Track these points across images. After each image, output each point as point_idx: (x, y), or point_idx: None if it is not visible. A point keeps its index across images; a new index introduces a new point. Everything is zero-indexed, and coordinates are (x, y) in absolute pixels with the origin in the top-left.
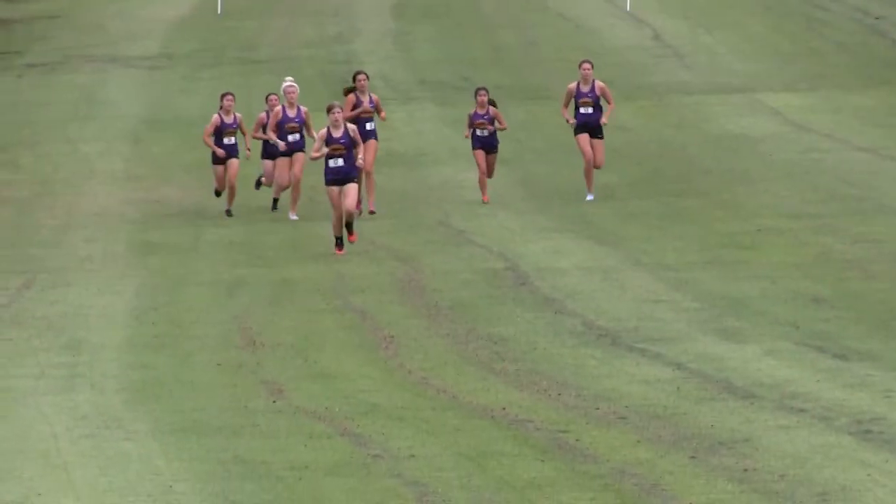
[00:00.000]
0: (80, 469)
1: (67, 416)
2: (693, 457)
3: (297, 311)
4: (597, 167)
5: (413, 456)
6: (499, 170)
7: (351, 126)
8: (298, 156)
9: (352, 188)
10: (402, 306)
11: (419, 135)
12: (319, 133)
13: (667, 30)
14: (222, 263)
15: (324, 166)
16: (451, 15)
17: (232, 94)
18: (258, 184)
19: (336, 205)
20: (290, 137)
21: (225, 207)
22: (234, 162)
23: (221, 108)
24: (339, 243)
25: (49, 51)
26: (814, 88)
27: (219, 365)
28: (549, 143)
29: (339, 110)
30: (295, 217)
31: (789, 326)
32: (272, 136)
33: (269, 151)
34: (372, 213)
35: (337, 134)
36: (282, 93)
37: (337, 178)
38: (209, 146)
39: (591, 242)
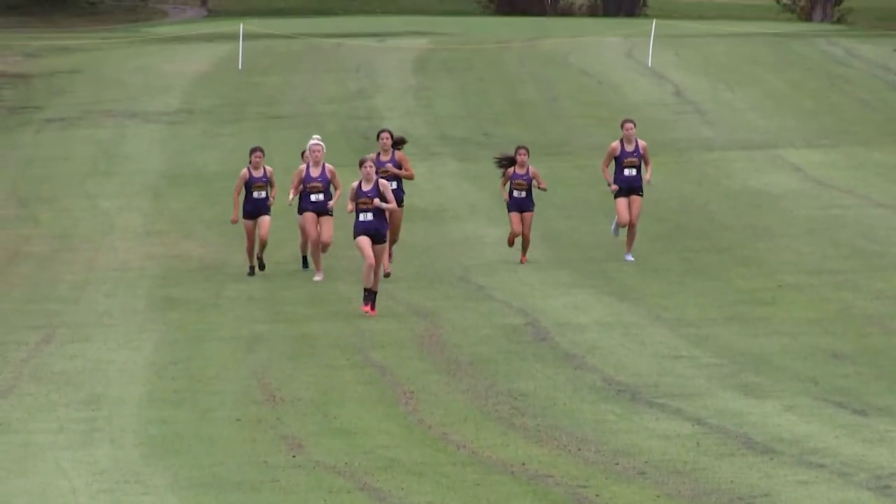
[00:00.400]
0: None
1: (86, 470)
2: None
3: (316, 367)
4: (631, 225)
5: None
6: None
7: (383, 182)
8: (326, 220)
9: (379, 249)
10: (422, 361)
11: (440, 190)
12: (350, 187)
13: (688, 86)
14: (242, 319)
15: (354, 221)
16: (472, 70)
17: (261, 150)
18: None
19: (368, 254)
20: (313, 198)
21: (254, 261)
22: (265, 219)
23: (250, 163)
24: (368, 298)
25: (69, 105)
26: (835, 145)
27: (238, 420)
28: (570, 199)
29: (371, 164)
30: (320, 278)
31: (809, 382)
32: (292, 194)
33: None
34: (387, 274)
35: (367, 188)
36: (308, 151)
37: (367, 231)
38: (235, 202)
39: (611, 298)
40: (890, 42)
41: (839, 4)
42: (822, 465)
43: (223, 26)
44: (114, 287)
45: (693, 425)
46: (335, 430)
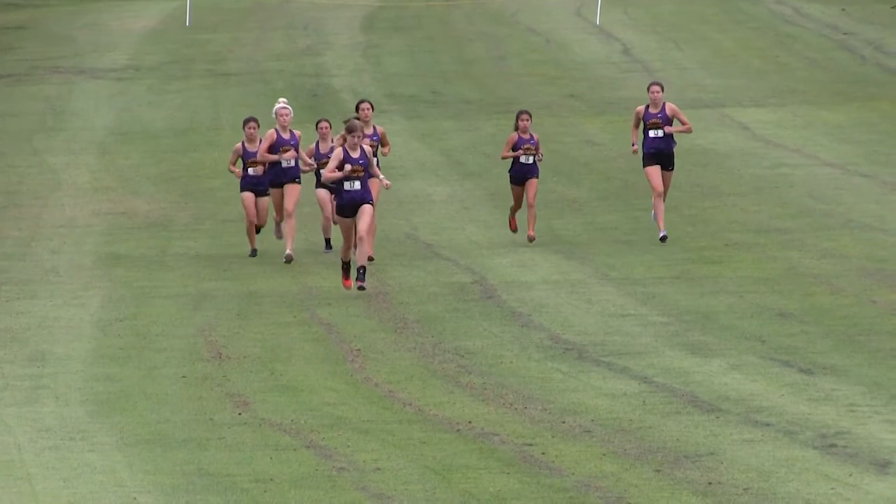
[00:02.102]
0: (43, 481)
1: (31, 427)
2: (658, 470)
3: (263, 324)
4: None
5: (378, 469)
6: (466, 183)
7: (367, 147)
8: (291, 187)
9: (367, 209)
10: (369, 319)
11: None
12: (335, 153)
13: (636, 44)
14: (188, 276)
15: (336, 192)
16: (421, 28)
17: (255, 121)
18: (328, 244)
19: (347, 235)
20: (284, 163)
21: (254, 242)
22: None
23: (245, 136)
24: (347, 271)
25: (16, 61)
26: (783, 104)
27: (184, 377)
28: None
29: (361, 134)
30: (290, 251)
31: (755, 341)
32: (268, 157)
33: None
34: (370, 259)
35: (355, 155)
36: (273, 115)
37: (352, 205)
38: (235, 173)
39: (558, 256)
40: (838, 1)
41: None
42: (767, 424)
43: None
44: (60, 244)
45: (639, 384)
46: (281, 388)
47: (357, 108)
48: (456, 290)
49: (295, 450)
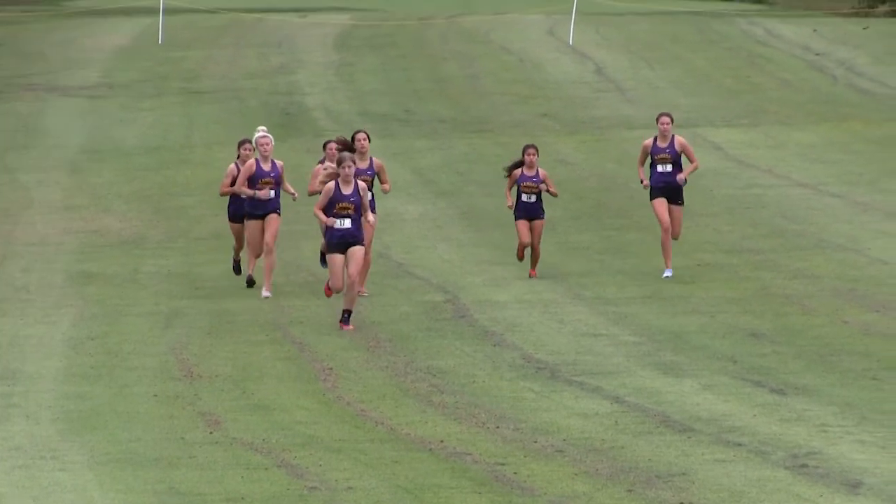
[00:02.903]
0: (13, 500)
1: (2, 446)
2: (630, 490)
3: (234, 343)
4: (674, 237)
5: (350, 488)
6: (439, 202)
7: (362, 185)
8: (272, 218)
9: (358, 252)
10: (341, 338)
11: None
12: (325, 187)
13: (609, 64)
14: (160, 294)
15: (326, 228)
16: (394, 46)
17: (251, 142)
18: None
19: (337, 273)
20: (264, 195)
21: (249, 267)
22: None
23: (238, 157)
24: (347, 317)
25: None
26: (755, 124)
27: (155, 396)
28: (491, 176)
29: (351, 165)
30: (268, 294)
31: (727, 361)
32: (245, 191)
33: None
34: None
35: (347, 191)
36: (254, 144)
37: (342, 243)
38: (228, 191)
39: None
40: (810, 22)
41: None
42: (739, 444)
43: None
44: (31, 262)
45: (611, 403)
46: (253, 407)
47: (353, 139)
48: (428, 309)
49: (266, 469)
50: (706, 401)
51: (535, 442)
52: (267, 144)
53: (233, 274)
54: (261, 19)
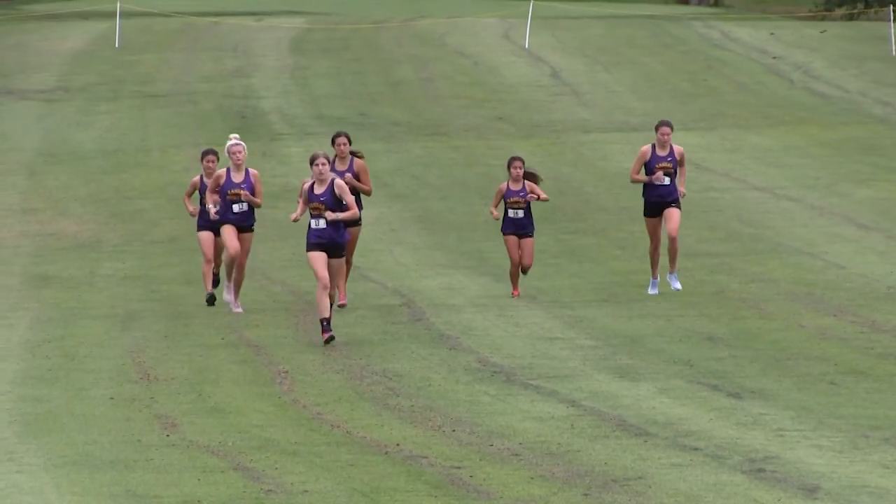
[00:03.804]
0: None
1: None
2: (586, 494)
3: (191, 346)
4: (671, 237)
5: (306, 491)
6: (394, 205)
7: (339, 182)
8: (246, 237)
9: (338, 265)
10: (297, 342)
11: None
12: (303, 186)
13: (565, 67)
14: (117, 297)
15: (307, 229)
16: (348, 50)
17: (215, 154)
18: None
19: (321, 275)
20: (236, 207)
21: (210, 286)
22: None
23: (203, 168)
24: (327, 326)
25: None
26: (711, 128)
27: (112, 399)
28: (446, 180)
29: (325, 162)
30: (239, 309)
31: (683, 365)
32: (210, 198)
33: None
34: (342, 305)
35: (319, 190)
36: (226, 153)
37: (321, 243)
38: (186, 204)
39: (486, 279)
40: (767, 25)
41: None
42: (695, 448)
43: (100, 4)
44: None
45: (567, 407)
46: (209, 410)
47: (333, 143)
48: (384, 313)
49: (223, 472)
50: (662, 405)
51: (491, 445)
52: (239, 153)
53: (188, 277)
54: (216, 23)
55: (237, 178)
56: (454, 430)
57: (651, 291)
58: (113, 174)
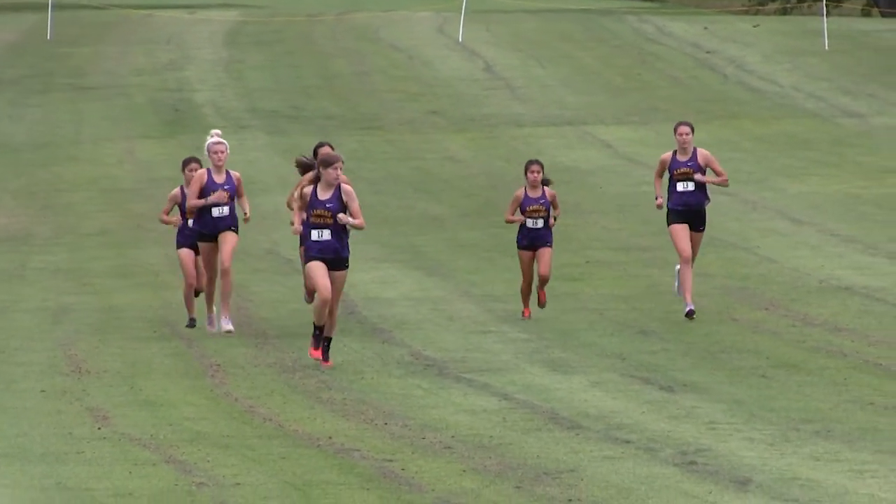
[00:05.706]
0: None
1: None
2: (518, 486)
3: (123, 339)
4: (691, 255)
5: (238, 484)
6: None
7: (346, 188)
8: (228, 236)
9: (340, 280)
10: (229, 335)
11: (250, 163)
12: (303, 191)
13: (498, 62)
14: (48, 290)
15: (305, 241)
16: (283, 43)
17: (197, 162)
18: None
19: (322, 284)
20: (217, 212)
21: (193, 311)
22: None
23: (185, 179)
24: (319, 341)
25: None
26: (645, 122)
27: (43, 391)
28: (380, 173)
29: (340, 167)
30: (230, 326)
31: (616, 358)
32: (195, 203)
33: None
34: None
35: (325, 196)
36: (206, 152)
37: (322, 256)
38: (171, 222)
39: (419, 273)
40: (701, 20)
41: None
42: (628, 441)
43: None
44: None
45: (500, 400)
46: (141, 402)
47: (314, 154)
48: None
49: (154, 464)
50: (595, 398)
51: (424, 438)
52: (221, 152)
53: (120, 270)
54: (149, 15)
55: (218, 178)
56: (387, 424)
57: (688, 309)
58: (44, 167)
